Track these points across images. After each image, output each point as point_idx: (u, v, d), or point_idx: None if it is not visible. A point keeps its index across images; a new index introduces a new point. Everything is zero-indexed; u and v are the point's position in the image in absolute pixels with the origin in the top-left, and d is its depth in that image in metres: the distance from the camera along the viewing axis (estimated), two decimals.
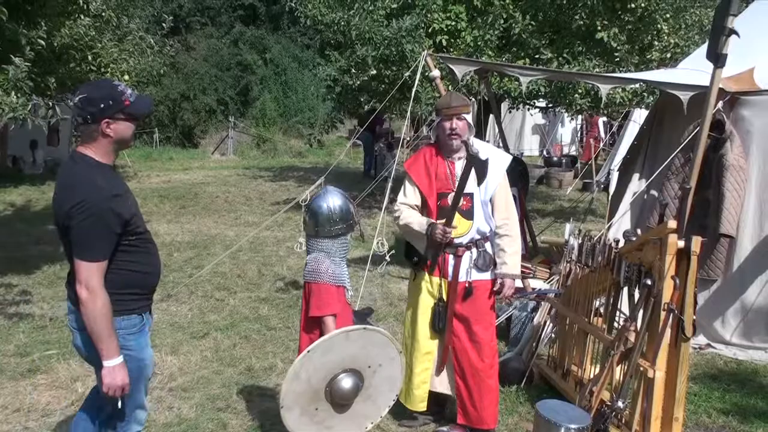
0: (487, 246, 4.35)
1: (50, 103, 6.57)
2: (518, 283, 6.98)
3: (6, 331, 6.31)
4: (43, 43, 6.62)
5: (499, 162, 4.32)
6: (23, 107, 5.92)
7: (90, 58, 8.44)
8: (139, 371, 3.21)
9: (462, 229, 4.27)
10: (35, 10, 6.92)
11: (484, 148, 4.34)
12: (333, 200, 3.73)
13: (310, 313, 3.69)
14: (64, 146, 19.57)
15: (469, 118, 4.31)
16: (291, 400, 3.42)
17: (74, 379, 5.24)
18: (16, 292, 7.53)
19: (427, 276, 4.41)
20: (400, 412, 4.82)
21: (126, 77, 9.64)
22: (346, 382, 3.50)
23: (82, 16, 7.85)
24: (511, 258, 4.29)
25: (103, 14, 8.53)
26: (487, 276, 4.33)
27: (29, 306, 7.07)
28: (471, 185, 4.21)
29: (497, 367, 4.49)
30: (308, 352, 3.37)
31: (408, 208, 4.43)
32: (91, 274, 2.93)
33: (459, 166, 4.31)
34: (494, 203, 4.32)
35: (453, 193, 4.21)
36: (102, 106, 2.95)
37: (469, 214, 4.28)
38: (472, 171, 4.10)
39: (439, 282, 4.37)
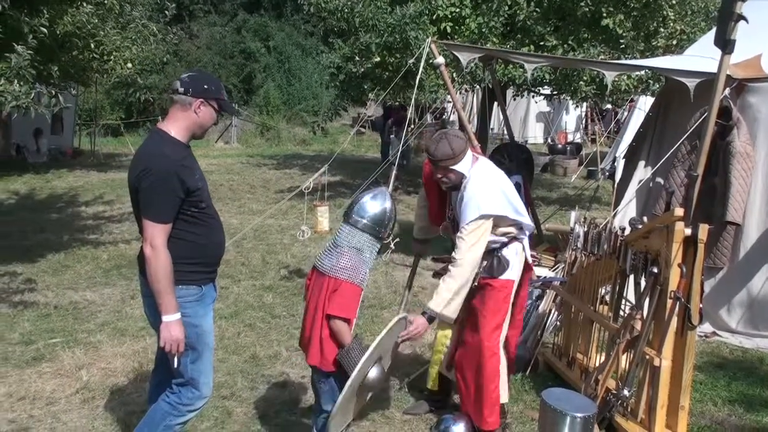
0: (504, 251, 4.19)
1: (53, 92, 6.53)
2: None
3: (11, 320, 6.31)
4: (45, 30, 6.59)
5: (470, 209, 4.00)
6: (26, 95, 5.89)
7: (93, 45, 8.43)
8: (197, 337, 3.39)
9: None
10: None
11: (471, 187, 4.06)
12: (391, 204, 3.68)
13: (331, 311, 3.48)
14: (68, 134, 19.57)
15: (460, 166, 4.03)
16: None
17: (79, 368, 5.25)
18: (20, 281, 7.53)
19: None
20: (404, 400, 4.83)
21: (129, 65, 9.63)
22: (375, 371, 3.57)
23: (85, 4, 7.82)
24: (438, 294, 3.94)
25: (106, 2, 8.49)
26: (498, 277, 4.19)
27: (33, 294, 7.06)
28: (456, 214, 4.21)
29: (493, 370, 4.20)
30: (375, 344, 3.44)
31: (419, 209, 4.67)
32: (156, 233, 3.17)
33: (454, 196, 4.22)
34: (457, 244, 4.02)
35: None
36: (205, 87, 3.32)
37: None
38: (455, 207, 4.17)
39: None
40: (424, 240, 4.82)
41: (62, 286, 7.39)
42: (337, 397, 3.48)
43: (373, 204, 3.62)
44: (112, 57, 8.86)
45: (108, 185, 14.28)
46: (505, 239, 4.21)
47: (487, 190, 4.06)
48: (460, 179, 4.10)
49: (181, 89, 3.28)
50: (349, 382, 3.36)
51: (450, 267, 3.98)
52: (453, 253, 4.00)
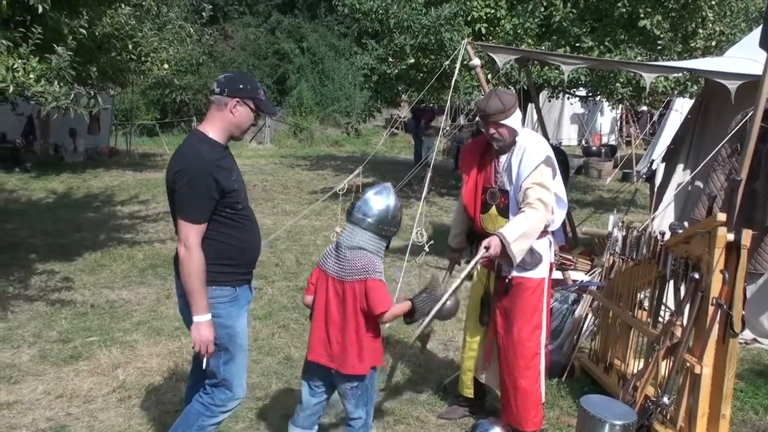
0: (536, 244, 4.07)
1: (92, 92, 6.59)
2: (557, 275, 6.91)
3: (48, 318, 6.39)
4: (84, 32, 6.65)
5: (531, 158, 4.05)
6: (66, 96, 5.95)
7: (130, 47, 8.50)
8: (229, 338, 3.41)
9: (499, 226, 4.10)
10: (77, 0, 6.95)
11: (527, 141, 4.15)
12: (395, 200, 3.58)
13: (378, 311, 3.43)
14: (104, 134, 19.79)
15: (512, 120, 4.07)
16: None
17: (115, 366, 5.30)
18: (57, 279, 7.63)
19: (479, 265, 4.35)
20: (439, 405, 4.80)
21: (166, 66, 9.71)
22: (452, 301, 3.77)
23: (123, 5, 7.89)
24: (511, 224, 3.95)
25: (143, 3, 8.58)
26: (532, 275, 4.14)
27: (71, 293, 7.15)
28: (507, 182, 4.15)
29: (536, 370, 4.22)
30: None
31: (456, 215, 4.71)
32: (190, 233, 3.19)
33: (502, 161, 4.21)
34: (524, 194, 4.02)
35: (493, 189, 4.20)
36: (240, 86, 3.33)
37: (505, 212, 4.17)
38: (510, 166, 4.10)
39: (487, 273, 4.33)
40: (459, 249, 4.77)
41: (99, 284, 7.47)
42: (369, 397, 3.68)
43: (377, 200, 3.52)
44: (149, 58, 8.93)
45: (143, 185, 14.43)
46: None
47: (543, 142, 4.19)
48: (513, 136, 4.14)
49: (217, 89, 3.31)
50: (433, 311, 3.62)
51: (523, 210, 3.97)
52: (524, 201, 3.99)
